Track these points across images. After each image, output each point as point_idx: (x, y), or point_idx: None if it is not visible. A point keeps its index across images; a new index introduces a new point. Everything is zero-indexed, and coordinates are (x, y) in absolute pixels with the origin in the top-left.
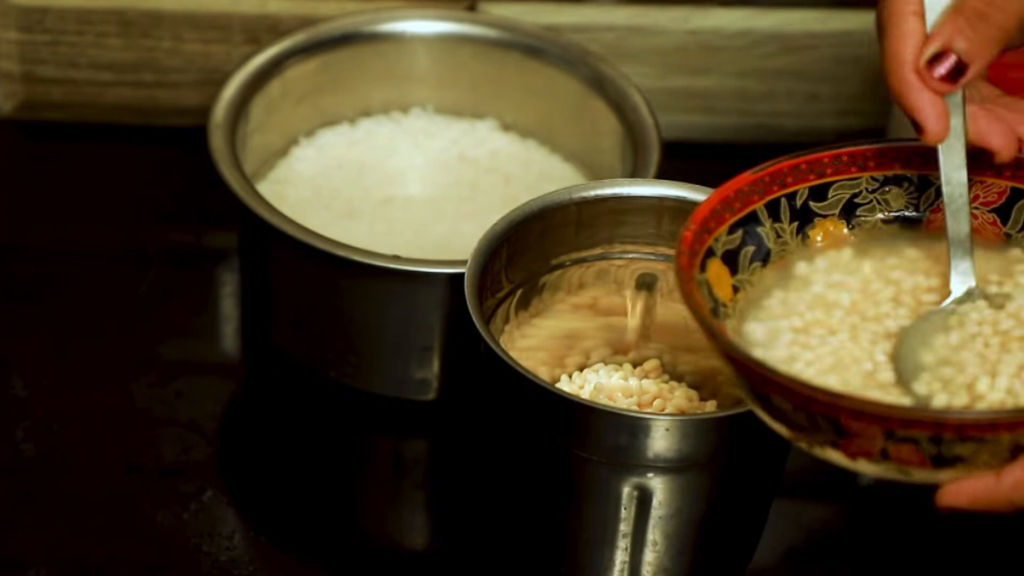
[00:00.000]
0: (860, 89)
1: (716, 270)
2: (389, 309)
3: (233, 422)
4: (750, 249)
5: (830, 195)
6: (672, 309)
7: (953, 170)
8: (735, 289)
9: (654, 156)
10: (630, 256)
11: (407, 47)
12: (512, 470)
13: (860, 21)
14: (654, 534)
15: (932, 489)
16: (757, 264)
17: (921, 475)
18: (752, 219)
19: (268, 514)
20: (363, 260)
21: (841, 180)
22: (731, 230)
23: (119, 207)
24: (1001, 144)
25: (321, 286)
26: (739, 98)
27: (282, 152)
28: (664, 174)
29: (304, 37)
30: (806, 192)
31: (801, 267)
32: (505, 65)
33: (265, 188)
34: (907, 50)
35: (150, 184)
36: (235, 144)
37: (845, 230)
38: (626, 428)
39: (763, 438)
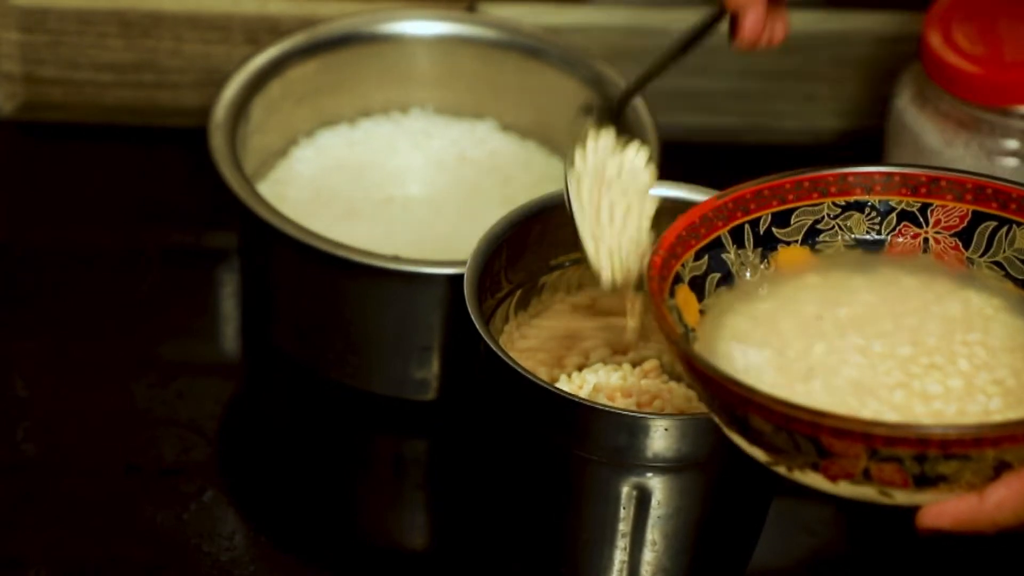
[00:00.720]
0: (859, 89)
1: (684, 296)
2: (389, 309)
3: (233, 422)
4: (716, 275)
5: (793, 221)
6: None
7: None
8: (701, 313)
9: (653, 156)
10: None
11: (407, 48)
12: (511, 470)
13: (859, 22)
14: (653, 534)
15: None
16: (723, 288)
17: (903, 497)
18: (717, 245)
19: (268, 514)
20: (363, 260)
21: (803, 206)
22: (697, 256)
23: (119, 207)
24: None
25: (321, 286)
26: (738, 99)
27: (282, 153)
28: (663, 175)
29: (304, 38)
30: (769, 218)
31: (764, 291)
32: (505, 66)
33: (265, 188)
34: None
35: (150, 184)
36: (235, 144)
37: (808, 255)
38: (625, 428)
39: None
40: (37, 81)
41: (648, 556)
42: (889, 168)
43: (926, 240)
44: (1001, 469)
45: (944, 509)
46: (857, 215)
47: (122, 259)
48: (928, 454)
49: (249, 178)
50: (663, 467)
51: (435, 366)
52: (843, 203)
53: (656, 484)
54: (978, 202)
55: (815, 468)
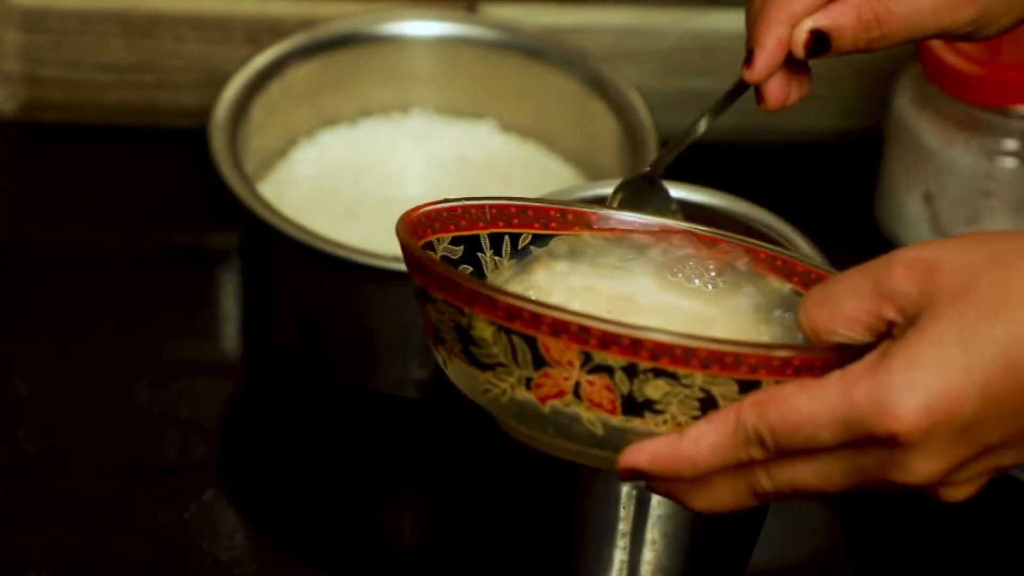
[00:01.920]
0: (858, 90)
1: None
2: (389, 309)
3: (234, 422)
4: (468, 268)
5: (552, 244)
6: None
7: None
8: None
9: (653, 157)
10: None
11: (407, 48)
12: (510, 469)
13: None
14: (653, 533)
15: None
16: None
17: (609, 433)
18: (475, 242)
19: (269, 514)
20: (363, 261)
21: (565, 235)
22: (455, 241)
23: (120, 208)
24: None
25: (321, 286)
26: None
27: (282, 153)
28: (663, 175)
29: (304, 38)
30: (529, 237)
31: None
32: (505, 66)
33: (265, 189)
34: None
35: (151, 185)
36: (236, 145)
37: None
38: None
39: None
40: (38, 81)
41: (648, 555)
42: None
43: None
44: (707, 406)
45: (643, 446)
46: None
47: (123, 259)
48: (639, 365)
49: (249, 178)
50: None
51: (435, 366)
52: (602, 238)
53: None
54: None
55: (528, 386)
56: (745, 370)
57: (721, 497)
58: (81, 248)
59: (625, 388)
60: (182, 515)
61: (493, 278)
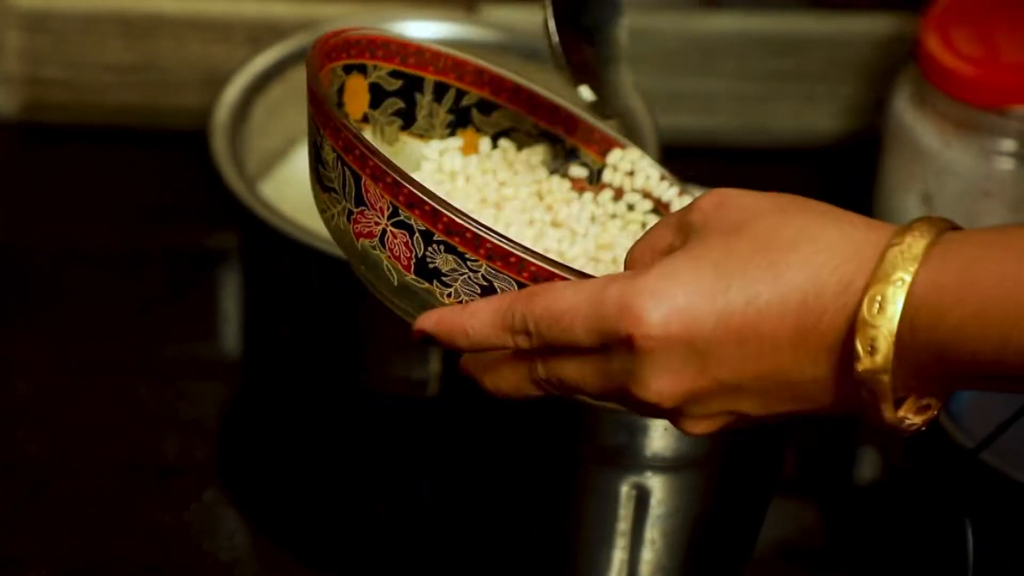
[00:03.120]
0: (856, 90)
1: (357, 85)
2: (389, 309)
3: (234, 422)
4: (398, 103)
5: (494, 116)
6: None
7: None
8: (365, 119)
9: (652, 157)
10: None
11: None
12: (511, 469)
13: (856, 24)
14: (652, 533)
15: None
16: (398, 121)
17: (399, 288)
18: (417, 83)
19: (269, 513)
20: None
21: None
22: (394, 75)
23: (121, 208)
24: None
25: (321, 286)
26: (737, 100)
27: (282, 153)
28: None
29: (305, 39)
30: (476, 99)
31: (423, 149)
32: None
33: (266, 189)
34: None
35: (152, 185)
36: (236, 145)
37: (485, 146)
38: (624, 427)
39: (761, 438)
40: (39, 82)
41: (647, 555)
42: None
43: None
44: (488, 294)
45: (433, 311)
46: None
47: (124, 259)
48: (434, 235)
49: (250, 179)
50: (662, 466)
51: (435, 365)
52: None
53: (655, 483)
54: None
55: (349, 218)
56: (527, 276)
57: (506, 379)
58: (82, 248)
59: (420, 251)
60: (182, 515)
61: (421, 122)
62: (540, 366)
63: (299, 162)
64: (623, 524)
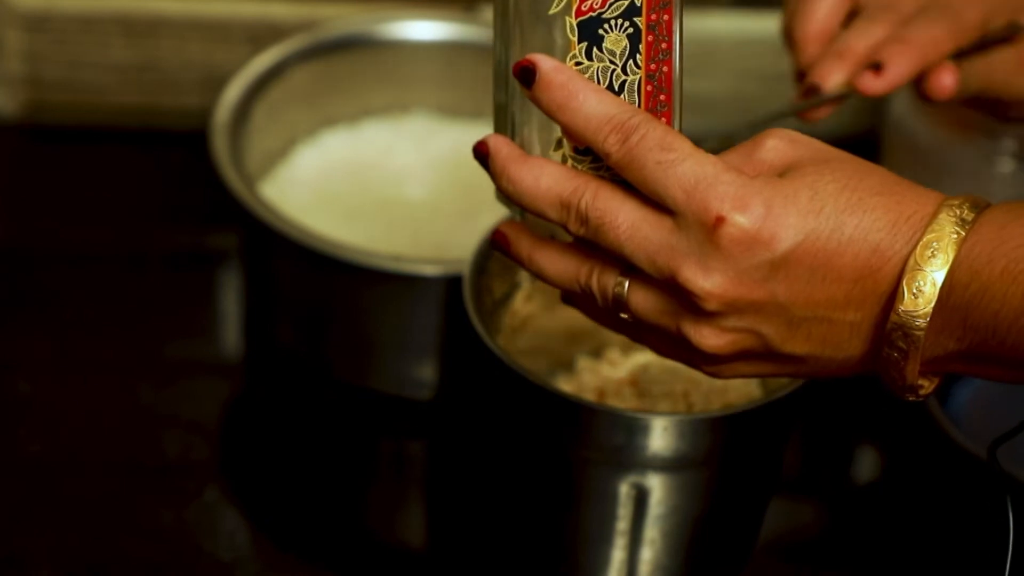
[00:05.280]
0: None
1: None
2: (389, 310)
3: (234, 422)
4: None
5: None
6: None
7: None
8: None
9: None
10: None
11: (407, 50)
12: (511, 469)
13: None
14: (652, 532)
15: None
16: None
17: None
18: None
19: (269, 513)
20: (363, 261)
21: None
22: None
23: (121, 209)
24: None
25: (321, 287)
26: (737, 100)
27: (283, 154)
28: None
29: (305, 40)
30: None
31: None
32: None
33: (266, 189)
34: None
35: (152, 186)
36: (236, 146)
37: None
38: (624, 427)
39: (761, 437)
40: (40, 83)
41: (647, 554)
42: None
43: None
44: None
45: (491, 138)
46: None
47: (124, 260)
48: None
49: (250, 179)
50: (661, 466)
51: (435, 366)
52: None
53: (655, 483)
54: None
55: None
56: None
57: (554, 264)
58: (82, 248)
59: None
60: (183, 514)
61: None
62: (588, 199)
63: (299, 162)
64: (622, 524)
